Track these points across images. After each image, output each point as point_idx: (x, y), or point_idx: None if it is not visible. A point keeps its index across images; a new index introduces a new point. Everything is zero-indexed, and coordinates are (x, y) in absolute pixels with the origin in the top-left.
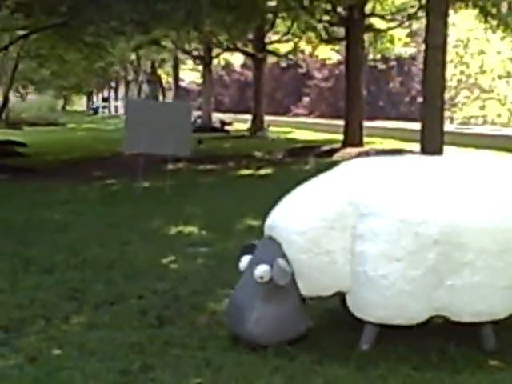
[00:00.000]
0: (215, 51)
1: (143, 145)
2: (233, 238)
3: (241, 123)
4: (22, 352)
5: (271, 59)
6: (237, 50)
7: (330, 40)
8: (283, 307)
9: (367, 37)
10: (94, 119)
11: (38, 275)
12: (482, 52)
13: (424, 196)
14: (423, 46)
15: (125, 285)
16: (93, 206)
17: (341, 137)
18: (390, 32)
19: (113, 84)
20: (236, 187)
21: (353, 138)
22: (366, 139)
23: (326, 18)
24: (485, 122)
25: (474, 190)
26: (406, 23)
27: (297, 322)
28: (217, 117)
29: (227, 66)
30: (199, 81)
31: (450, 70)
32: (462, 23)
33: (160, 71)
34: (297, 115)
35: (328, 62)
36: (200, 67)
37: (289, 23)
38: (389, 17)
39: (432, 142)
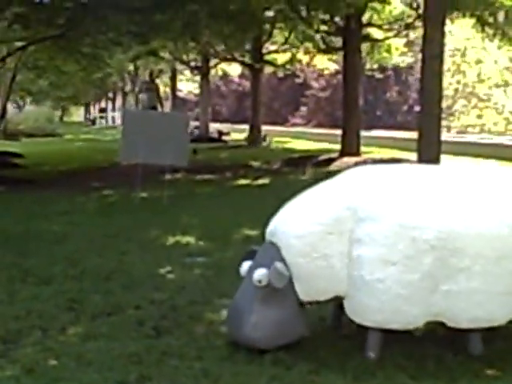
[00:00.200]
0: (213, 61)
1: (140, 155)
2: (230, 247)
3: (238, 133)
4: (18, 363)
5: (269, 69)
6: (234, 60)
7: (328, 50)
8: (282, 311)
9: (364, 46)
10: (92, 130)
11: (35, 286)
12: (479, 61)
13: (421, 201)
14: (420, 56)
15: (122, 295)
16: (91, 216)
17: (338, 146)
18: (387, 41)
19: (110, 95)
20: (233, 197)
21: (350, 147)
22: (363, 148)
23: (323, 28)
24: (482, 131)
25: (471, 196)
26: (403, 33)
27: (296, 326)
28: (214, 127)
29: (225, 77)
30: (197, 91)
31: (447, 79)
32: (459, 32)
33: (158, 81)
34: (294, 125)
35: (325, 71)
36: (198, 77)
37: (286, 33)
38: (386, 26)
39: (429, 151)
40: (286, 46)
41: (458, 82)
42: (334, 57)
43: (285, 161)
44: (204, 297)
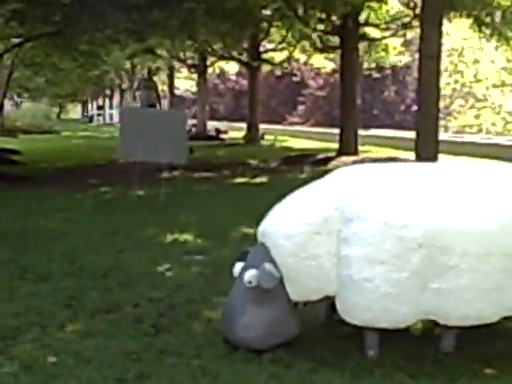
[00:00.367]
0: (210, 60)
1: (138, 153)
2: (228, 245)
3: (236, 131)
4: (17, 360)
5: (266, 68)
6: (231, 58)
7: (325, 49)
8: (274, 311)
9: (362, 46)
10: (89, 127)
11: (33, 283)
12: (476, 61)
13: (409, 200)
14: (418, 55)
15: (120, 293)
16: (88, 213)
17: (336, 145)
18: (384, 41)
19: (108, 92)
20: (231, 195)
21: (348, 146)
22: (360, 148)
23: (320, 26)
24: (479, 131)
25: (459, 194)
26: (401, 32)
27: (288, 326)
28: (212, 125)
29: (222, 75)
30: (194, 89)
31: (444, 79)
32: (457, 32)
33: (155, 79)
34: (292, 123)
35: (323, 70)
36: (195, 75)
37: (283, 32)
38: (383, 26)
39: (427, 151)
40: (283, 45)
41: (456, 82)
42: (332, 56)
43: (283, 159)
44: (202, 295)
